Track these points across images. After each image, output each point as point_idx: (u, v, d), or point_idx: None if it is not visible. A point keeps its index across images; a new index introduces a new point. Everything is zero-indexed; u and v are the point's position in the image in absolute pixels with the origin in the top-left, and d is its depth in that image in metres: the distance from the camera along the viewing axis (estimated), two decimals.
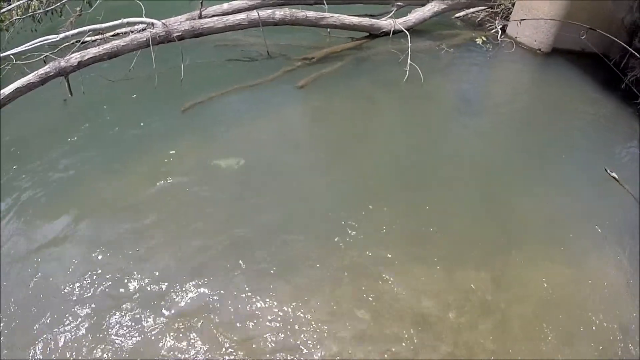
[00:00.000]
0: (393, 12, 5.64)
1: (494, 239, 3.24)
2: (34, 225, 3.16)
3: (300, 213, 3.29)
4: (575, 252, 3.25)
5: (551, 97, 5.67)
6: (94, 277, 2.78)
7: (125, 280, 2.76)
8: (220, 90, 4.47)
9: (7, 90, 4.42)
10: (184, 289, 2.72)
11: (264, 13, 4.84)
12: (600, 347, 2.62)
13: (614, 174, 4.04)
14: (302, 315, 2.59)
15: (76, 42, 5.18)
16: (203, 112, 4.30)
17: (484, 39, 6.01)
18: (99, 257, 2.90)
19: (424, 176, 3.75)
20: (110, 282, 2.74)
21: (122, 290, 2.71)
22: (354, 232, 3.13)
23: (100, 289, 2.71)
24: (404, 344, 2.47)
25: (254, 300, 2.66)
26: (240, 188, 3.48)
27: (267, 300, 2.66)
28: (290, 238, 3.07)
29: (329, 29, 5.24)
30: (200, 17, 5.17)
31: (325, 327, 2.53)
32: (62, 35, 5.04)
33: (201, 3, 5.29)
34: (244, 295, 2.69)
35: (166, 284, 2.74)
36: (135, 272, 2.81)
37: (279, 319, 2.56)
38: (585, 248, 3.28)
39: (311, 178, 3.61)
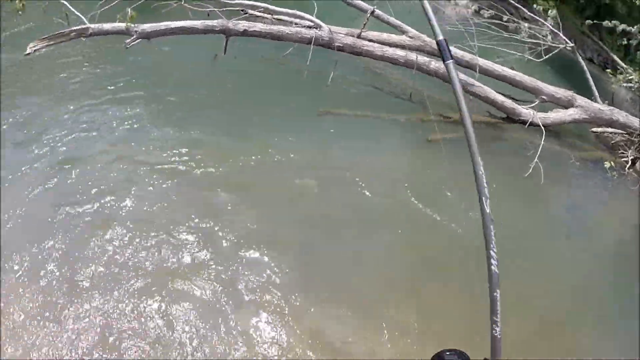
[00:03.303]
0: (536, 103, 5.58)
1: None
2: None
3: None
4: None
5: None
6: None
7: None
8: (357, 110, 4.62)
9: (174, 24, 4.88)
10: None
11: (422, 59, 4.96)
12: None
13: None
14: None
15: (241, 11, 5.56)
16: (335, 123, 4.46)
17: (612, 164, 5.81)
18: None
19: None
20: None
21: None
22: None
23: None
24: None
25: None
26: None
27: None
28: None
29: (472, 96, 5.27)
30: (359, 36, 5.38)
31: None
32: (237, 1, 5.43)
33: (364, 25, 5.51)
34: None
35: None
36: None
37: None
38: None
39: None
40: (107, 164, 3.92)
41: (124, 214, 3.48)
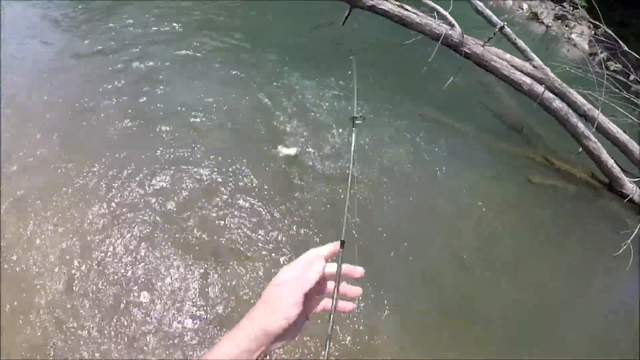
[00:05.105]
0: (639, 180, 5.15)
1: None
2: None
3: None
4: None
5: None
6: None
7: None
8: (461, 123, 4.31)
9: None
10: None
11: (548, 95, 4.55)
12: None
13: None
14: None
15: None
16: (431, 128, 4.17)
17: None
18: None
19: None
20: None
21: None
22: None
23: None
24: None
25: None
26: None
27: None
28: None
29: (581, 149, 4.87)
30: (482, 45, 4.99)
31: None
32: None
33: (489, 38, 5.09)
34: None
35: None
36: None
37: None
38: None
39: None
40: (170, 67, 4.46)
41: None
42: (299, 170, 3.58)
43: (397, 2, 4.95)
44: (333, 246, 0.78)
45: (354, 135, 0.98)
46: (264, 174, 3.46)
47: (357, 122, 1.03)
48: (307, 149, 3.75)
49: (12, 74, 3.95)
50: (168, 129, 3.67)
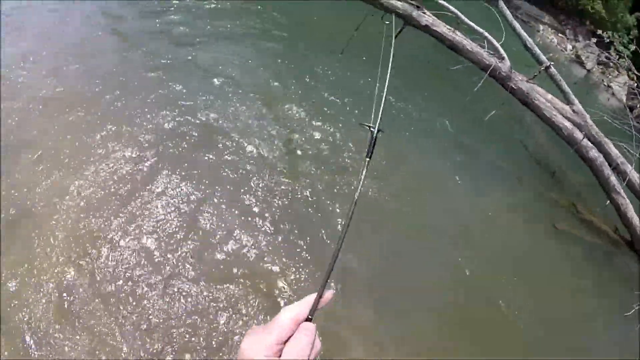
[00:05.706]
0: None
1: None
2: None
3: None
4: None
5: None
6: None
7: None
8: (493, 154, 4.30)
9: None
10: None
11: (586, 143, 4.53)
12: None
13: None
14: None
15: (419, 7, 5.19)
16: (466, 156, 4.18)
17: None
18: None
19: None
20: None
21: None
22: None
23: None
24: None
25: None
26: None
27: None
28: None
29: (608, 202, 4.84)
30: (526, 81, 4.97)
31: None
32: None
33: (534, 76, 5.08)
34: None
35: None
36: None
37: None
38: None
39: None
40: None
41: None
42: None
43: (450, 27, 4.94)
44: (306, 305, 0.78)
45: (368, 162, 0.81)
46: None
47: (377, 133, 0.84)
48: None
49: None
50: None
